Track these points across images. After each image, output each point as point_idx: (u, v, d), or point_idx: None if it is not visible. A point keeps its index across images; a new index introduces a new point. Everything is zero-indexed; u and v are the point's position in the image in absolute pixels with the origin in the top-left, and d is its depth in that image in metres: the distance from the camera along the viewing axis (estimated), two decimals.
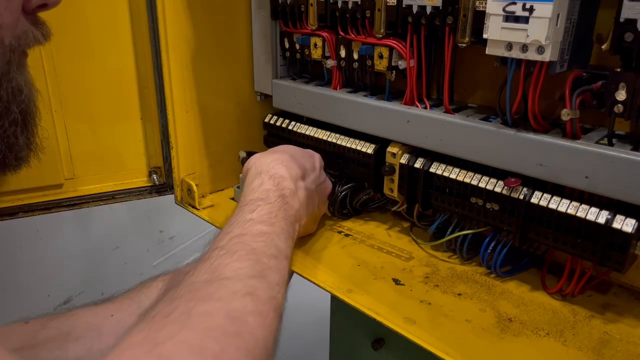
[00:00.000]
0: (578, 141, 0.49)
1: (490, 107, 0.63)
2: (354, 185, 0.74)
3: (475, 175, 0.58)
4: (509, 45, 0.48)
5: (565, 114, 0.48)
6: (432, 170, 0.61)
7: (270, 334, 0.41)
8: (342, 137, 0.71)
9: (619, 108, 0.47)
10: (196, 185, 0.78)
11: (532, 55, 0.47)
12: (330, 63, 0.70)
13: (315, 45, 0.71)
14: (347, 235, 0.71)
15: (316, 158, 0.71)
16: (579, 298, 0.57)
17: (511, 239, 0.58)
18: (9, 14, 0.44)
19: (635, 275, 0.58)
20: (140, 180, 0.88)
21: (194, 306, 0.39)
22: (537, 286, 0.59)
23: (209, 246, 0.49)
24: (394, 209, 0.74)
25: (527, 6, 0.46)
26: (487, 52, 0.50)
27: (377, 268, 0.63)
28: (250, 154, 0.80)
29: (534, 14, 0.46)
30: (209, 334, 0.37)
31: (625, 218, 0.47)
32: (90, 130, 0.82)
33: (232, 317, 0.39)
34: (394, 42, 0.62)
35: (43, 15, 0.52)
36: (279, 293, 0.45)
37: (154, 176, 0.88)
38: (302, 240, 0.69)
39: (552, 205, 0.52)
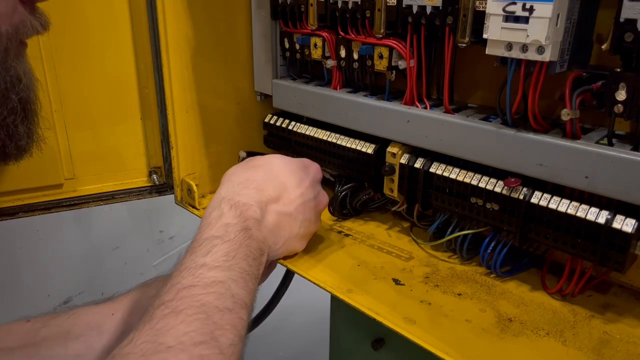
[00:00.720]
0: (578, 141, 0.49)
1: (490, 107, 0.63)
2: (354, 185, 0.74)
3: (475, 175, 0.58)
4: (509, 45, 0.48)
5: (565, 114, 0.48)
6: (432, 170, 0.61)
7: None
8: (342, 137, 0.71)
9: (619, 108, 0.47)
10: (196, 185, 0.78)
11: (532, 55, 0.47)
12: (330, 63, 0.70)
13: (315, 45, 0.71)
14: (347, 235, 0.71)
15: (310, 170, 0.64)
16: (579, 298, 0.57)
17: (511, 239, 0.58)
18: (4, 3, 0.44)
19: (635, 275, 0.58)
20: (140, 180, 0.88)
21: None
22: (537, 286, 0.59)
23: (158, 296, 0.43)
24: (394, 209, 0.74)
25: (527, 6, 0.46)
26: (487, 52, 0.50)
27: (377, 268, 0.63)
28: (250, 154, 0.80)
29: (534, 14, 0.46)
30: None
31: (625, 218, 0.47)
32: (90, 130, 0.82)
33: None
34: (394, 42, 0.62)
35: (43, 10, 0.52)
36: (234, 355, 0.40)
37: (154, 176, 0.88)
38: None
39: (552, 205, 0.52)
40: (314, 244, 0.68)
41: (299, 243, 0.63)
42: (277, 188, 0.59)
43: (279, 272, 0.83)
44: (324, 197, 0.66)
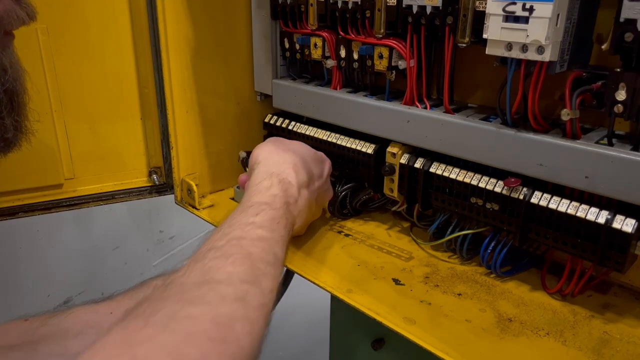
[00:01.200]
0: (578, 141, 0.49)
1: (490, 107, 0.63)
2: (354, 185, 0.74)
3: (475, 175, 0.58)
4: (509, 45, 0.48)
5: (565, 114, 0.48)
6: (432, 170, 0.61)
7: (257, 342, 0.40)
8: (342, 137, 0.71)
9: (618, 108, 0.47)
10: (196, 185, 0.78)
11: (532, 55, 0.47)
12: (330, 63, 0.70)
13: (315, 45, 0.71)
14: (347, 235, 0.71)
15: (326, 165, 0.69)
16: (579, 298, 0.57)
17: (511, 239, 0.58)
18: None
19: (635, 275, 0.58)
20: (140, 180, 0.88)
21: (179, 309, 0.37)
22: (537, 286, 0.59)
23: (206, 243, 0.47)
24: (394, 209, 0.74)
25: (527, 6, 0.46)
26: (487, 52, 0.50)
27: (377, 268, 0.63)
28: (250, 154, 0.80)
29: (534, 14, 0.46)
30: (190, 339, 0.35)
31: (625, 218, 0.47)
32: (90, 130, 0.82)
33: (218, 322, 0.37)
34: (394, 42, 0.62)
35: (42, 12, 0.51)
36: (271, 300, 0.44)
37: (154, 176, 0.88)
38: (302, 240, 0.69)
39: (552, 205, 0.52)
40: (314, 244, 0.69)
41: (304, 228, 0.68)
42: (308, 175, 0.63)
43: None
44: (331, 192, 0.71)
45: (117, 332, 0.35)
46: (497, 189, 0.56)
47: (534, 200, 0.53)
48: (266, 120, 0.82)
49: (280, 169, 0.60)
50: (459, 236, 0.63)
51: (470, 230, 0.62)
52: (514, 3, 0.47)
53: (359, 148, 0.69)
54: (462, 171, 0.59)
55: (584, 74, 0.49)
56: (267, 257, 0.47)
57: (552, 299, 0.57)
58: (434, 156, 0.62)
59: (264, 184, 0.57)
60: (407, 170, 0.64)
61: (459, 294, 0.58)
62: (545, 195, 0.52)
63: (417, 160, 0.63)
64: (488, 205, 0.57)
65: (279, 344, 1.69)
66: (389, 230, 0.73)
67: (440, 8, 0.55)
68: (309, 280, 0.61)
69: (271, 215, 0.53)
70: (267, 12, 0.75)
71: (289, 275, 0.84)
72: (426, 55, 0.62)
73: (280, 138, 0.70)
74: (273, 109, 0.81)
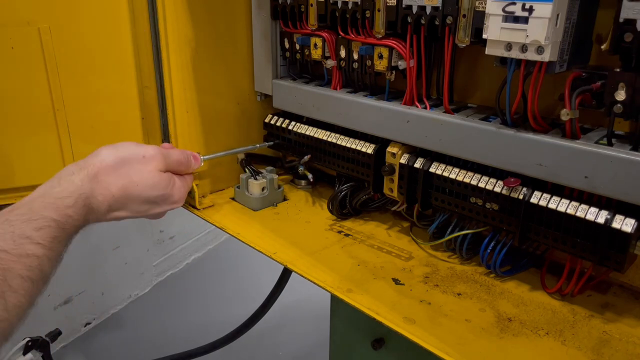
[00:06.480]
0: (577, 141, 0.50)
1: (490, 107, 0.63)
2: (354, 185, 0.74)
3: (475, 175, 0.58)
4: (509, 46, 0.48)
5: (565, 114, 0.48)
6: (431, 170, 0.61)
7: None
8: (342, 137, 0.71)
9: (618, 108, 0.47)
10: (196, 185, 0.78)
11: (531, 55, 0.47)
12: (330, 63, 0.70)
13: (315, 45, 0.71)
14: (347, 235, 0.71)
15: (166, 207, 0.67)
16: (579, 298, 0.57)
17: (511, 238, 0.58)
18: None
19: (634, 275, 0.58)
20: None
21: None
22: (537, 286, 0.59)
23: None
24: (393, 208, 0.74)
25: (527, 6, 0.46)
26: (486, 52, 0.50)
27: (377, 268, 0.63)
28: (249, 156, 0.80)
29: (534, 14, 0.46)
30: None
31: (625, 218, 0.48)
32: (92, 129, 0.82)
33: None
34: (394, 42, 0.62)
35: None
36: (15, 316, 0.43)
37: None
38: (302, 240, 0.69)
39: (552, 205, 0.52)
40: (314, 243, 0.69)
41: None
42: (128, 209, 0.63)
43: (276, 271, 0.83)
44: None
45: None
46: (497, 189, 0.56)
47: (533, 200, 0.53)
48: (266, 120, 0.82)
49: (97, 191, 0.56)
50: (458, 236, 0.63)
51: (470, 230, 0.62)
52: (514, 3, 0.47)
53: (359, 148, 0.69)
54: (462, 171, 0.59)
55: (584, 74, 0.49)
56: (29, 273, 0.45)
57: (551, 299, 0.57)
58: (433, 156, 0.62)
59: (66, 201, 0.52)
60: (407, 170, 0.64)
61: (459, 294, 0.58)
62: (544, 195, 0.53)
63: (417, 160, 0.63)
64: (488, 205, 0.57)
65: (279, 343, 1.69)
66: (388, 230, 0.73)
67: (440, 8, 0.55)
68: (309, 279, 0.61)
69: (54, 235, 0.49)
70: (267, 13, 0.75)
71: (285, 275, 0.84)
72: (426, 56, 0.62)
73: (137, 156, 0.60)
74: (273, 109, 0.81)
